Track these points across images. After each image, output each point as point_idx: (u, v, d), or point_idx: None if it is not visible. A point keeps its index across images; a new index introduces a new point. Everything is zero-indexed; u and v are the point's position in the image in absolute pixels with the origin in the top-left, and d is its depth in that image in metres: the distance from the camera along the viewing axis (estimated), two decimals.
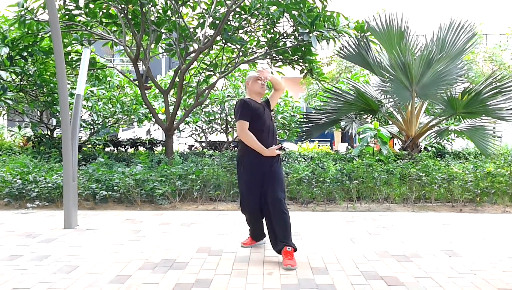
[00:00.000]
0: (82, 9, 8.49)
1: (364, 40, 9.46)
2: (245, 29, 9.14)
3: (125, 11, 8.39)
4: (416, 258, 4.17)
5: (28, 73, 9.46)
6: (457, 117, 9.60)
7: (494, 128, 13.93)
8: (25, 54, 8.84)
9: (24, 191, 7.11)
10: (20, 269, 3.89)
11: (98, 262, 4.10)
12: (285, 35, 8.98)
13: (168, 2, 8.50)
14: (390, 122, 10.73)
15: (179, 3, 8.50)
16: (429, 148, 11.58)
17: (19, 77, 9.72)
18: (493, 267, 3.90)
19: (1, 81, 8.78)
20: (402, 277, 3.64)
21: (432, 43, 9.49)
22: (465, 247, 4.62)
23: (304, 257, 4.19)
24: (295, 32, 8.75)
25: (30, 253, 4.43)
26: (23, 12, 8.02)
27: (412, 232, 5.29)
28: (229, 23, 8.77)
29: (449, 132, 9.88)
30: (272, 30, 9.02)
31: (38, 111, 11.65)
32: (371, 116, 10.68)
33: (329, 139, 19.39)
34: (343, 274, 3.72)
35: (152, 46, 9.32)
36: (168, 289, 3.41)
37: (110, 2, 8.24)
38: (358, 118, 10.45)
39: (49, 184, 7.09)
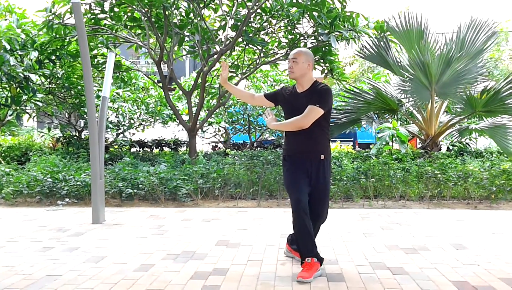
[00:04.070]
0: (107, 13, 8.79)
1: (384, 40, 9.57)
2: (266, 30, 9.33)
3: (149, 15, 8.69)
4: (424, 251, 4.34)
5: (56, 76, 9.83)
6: (478, 115, 9.63)
7: None
8: (53, 57, 9.21)
9: (54, 189, 7.47)
10: (53, 259, 4.20)
11: (124, 253, 4.39)
12: (305, 36, 9.16)
13: (191, 5, 8.78)
14: (411, 122, 10.81)
15: (201, 5, 8.77)
16: (451, 147, 11.62)
17: (48, 80, 10.10)
18: (497, 259, 4.05)
19: (31, 83, 9.16)
20: (408, 267, 3.83)
21: (452, 42, 9.54)
22: (474, 241, 4.76)
23: None
24: (315, 33, 8.93)
25: (61, 245, 4.75)
26: (50, 17, 8.30)
27: (424, 227, 5.44)
28: (250, 24, 8.98)
29: (470, 131, 9.92)
30: (292, 31, 9.21)
31: (66, 113, 12.09)
32: (391, 115, 10.78)
33: (352, 139, 19.44)
34: (352, 265, 3.93)
35: (175, 48, 9.60)
36: (187, 276, 3.67)
37: (134, 6, 8.55)
38: (378, 117, 10.56)
39: (78, 183, 7.44)
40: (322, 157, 3.78)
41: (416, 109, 10.11)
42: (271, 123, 3.95)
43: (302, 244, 3.71)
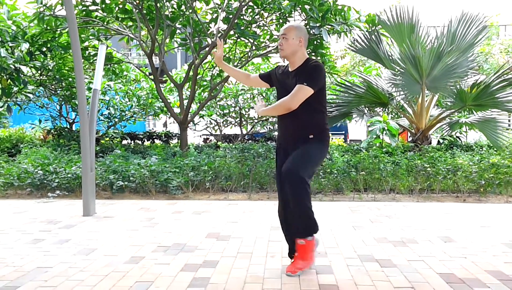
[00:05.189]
0: (99, 5, 8.77)
1: (375, 33, 9.60)
2: (258, 23, 9.33)
3: (140, 7, 8.67)
4: (412, 244, 4.39)
5: (47, 68, 9.77)
6: (468, 109, 9.71)
7: (509, 120, 13.98)
8: (44, 49, 9.17)
9: (45, 181, 7.46)
10: (43, 251, 4.21)
11: (114, 246, 4.40)
12: None
13: None
14: (401, 115, 10.87)
15: None
16: (441, 141, 11.70)
17: (39, 71, 10.04)
18: (484, 252, 4.11)
19: (22, 75, 9.11)
20: (396, 260, 3.88)
21: (443, 36, 9.59)
22: (462, 234, 4.82)
23: None
24: (307, 26, 8.94)
25: (52, 237, 4.76)
26: (41, 9, 8.28)
27: (413, 221, 5.49)
28: (242, 17, 8.98)
29: (460, 125, 10.00)
30: (284, 24, 9.21)
31: (58, 105, 12.03)
32: (382, 109, 10.83)
33: (343, 132, 19.52)
34: (340, 257, 3.97)
35: (167, 40, 9.58)
36: (177, 268, 3.69)
37: None
38: (369, 111, 10.60)
39: (69, 175, 7.43)
40: (311, 136, 3.47)
41: (407, 102, 10.17)
42: (259, 109, 3.70)
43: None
